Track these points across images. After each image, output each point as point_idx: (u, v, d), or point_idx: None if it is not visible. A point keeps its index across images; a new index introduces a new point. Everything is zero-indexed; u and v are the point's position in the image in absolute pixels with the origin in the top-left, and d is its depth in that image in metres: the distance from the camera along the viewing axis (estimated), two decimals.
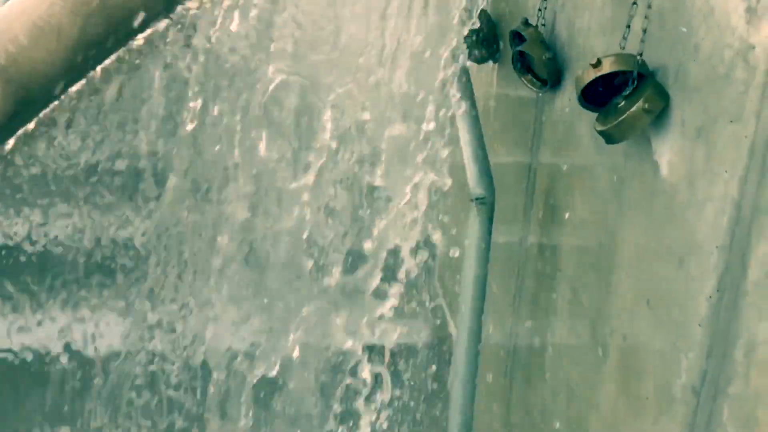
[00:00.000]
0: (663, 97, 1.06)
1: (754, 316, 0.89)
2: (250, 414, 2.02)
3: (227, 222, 1.93)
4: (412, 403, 2.15)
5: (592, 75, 1.12)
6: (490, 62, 1.92)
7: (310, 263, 1.90)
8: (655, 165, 1.12)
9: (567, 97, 1.48)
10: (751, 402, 0.89)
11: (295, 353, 1.92)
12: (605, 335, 1.28)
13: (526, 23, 1.55)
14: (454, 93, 1.62)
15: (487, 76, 2.03)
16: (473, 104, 1.60)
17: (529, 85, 1.53)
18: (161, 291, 1.95)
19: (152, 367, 2.00)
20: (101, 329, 2.04)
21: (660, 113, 1.09)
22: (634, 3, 1.11)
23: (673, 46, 1.08)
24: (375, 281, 1.87)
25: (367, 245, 1.78)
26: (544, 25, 1.57)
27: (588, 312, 1.36)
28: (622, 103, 1.10)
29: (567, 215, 1.46)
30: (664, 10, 1.11)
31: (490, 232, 1.50)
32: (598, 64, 1.11)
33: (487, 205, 1.48)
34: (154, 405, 2.05)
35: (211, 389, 1.99)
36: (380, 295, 2.19)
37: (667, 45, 1.09)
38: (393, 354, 2.15)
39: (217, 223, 1.92)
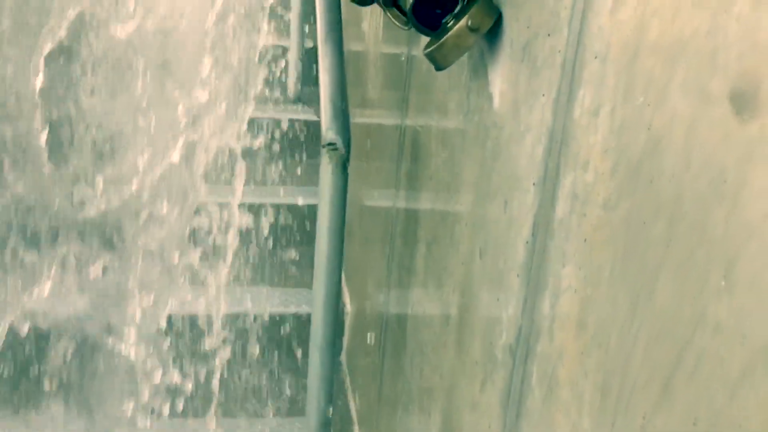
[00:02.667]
0: (491, 13, 0.92)
1: (559, 260, 0.75)
2: None
3: None
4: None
5: None
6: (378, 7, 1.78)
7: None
8: (489, 97, 0.98)
9: None
10: (554, 360, 0.76)
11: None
12: (449, 295, 1.14)
13: None
14: (318, 28, 1.47)
15: (375, 21, 1.89)
16: (337, 41, 1.45)
17: (394, 21, 1.39)
18: None
19: None
20: None
21: (492, 34, 0.95)
22: None
23: None
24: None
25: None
26: None
27: (437, 270, 1.22)
28: (451, 22, 0.96)
29: (426, 166, 1.32)
30: None
31: (345, 182, 1.35)
32: None
33: (339, 151, 1.33)
34: None
35: None
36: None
37: None
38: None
39: None
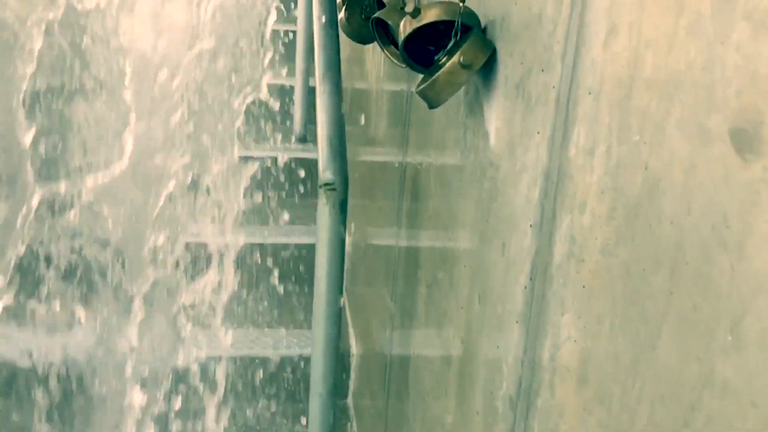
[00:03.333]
0: (484, 49, 0.89)
1: (557, 308, 0.71)
2: None
3: None
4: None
5: (409, 28, 0.94)
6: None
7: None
8: (486, 135, 0.94)
9: None
10: (555, 416, 0.71)
11: None
12: (449, 340, 1.10)
13: None
14: (317, 65, 1.45)
15: (377, 59, 1.87)
16: (335, 79, 1.42)
17: (391, 58, 1.36)
18: None
19: None
20: None
21: (487, 70, 0.91)
22: None
23: None
24: None
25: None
26: None
27: (437, 313, 1.18)
28: (443, 59, 0.92)
29: (425, 205, 1.28)
30: None
31: (343, 223, 1.32)
32: (416, 13, 0.93)
33: (338, 192, 1.30)
34: None
35: None
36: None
37: None
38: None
39: None
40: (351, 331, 2.16)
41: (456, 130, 1.08)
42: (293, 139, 2.65)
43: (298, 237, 2.27)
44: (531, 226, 0.78)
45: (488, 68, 0.92)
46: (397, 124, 1.56)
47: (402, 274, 1.47)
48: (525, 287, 0.79)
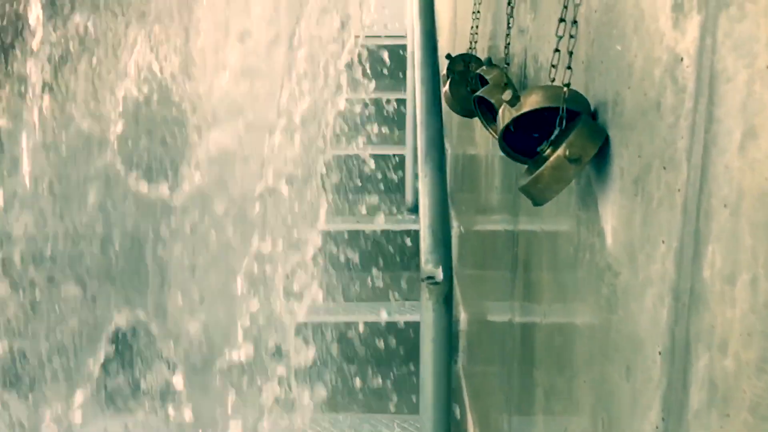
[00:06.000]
0: (595, 139, 0.77)
1: None
2: None
3: None
4: None
5: (508, 117, 0.84)
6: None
7: None
8: (601, 233, 0.82)
9: None
10: None
11: None
12: None
13: (489, 63, 1.29)
14: (419, 145, 1.37)
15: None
16: (438, 160, 1.34)
17: (495, 136, 1.26)
18: None
19: None
20: None
21: (600, 157, 0.80)
22: (561, 20, 0.83)
23: (609, 70, 0.79)
24: None
25: None
26: (508, 64, 1.30)
27: (556, 426, 1.04)
28: (548, 151, 0.81)
29: (539, 294, 1.16)
30: (595, 23, 0.83)
31: (448, 319, 1.21)
32: (514, 101, 0.83)
33: (441, 286, 1.20)
34: None
35: None
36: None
37: (604, 69, 0.81)
38: None
39: None
40: (469, 415, 2.03)
41: (568, 219, 0.97)
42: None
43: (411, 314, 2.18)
44: (660, 353, 0.65)
45: (601, 155, 0.81)
46: (508, 201, 1.45)
47: (517, 365, 1.34)
48: (657, 427, 0.66)
